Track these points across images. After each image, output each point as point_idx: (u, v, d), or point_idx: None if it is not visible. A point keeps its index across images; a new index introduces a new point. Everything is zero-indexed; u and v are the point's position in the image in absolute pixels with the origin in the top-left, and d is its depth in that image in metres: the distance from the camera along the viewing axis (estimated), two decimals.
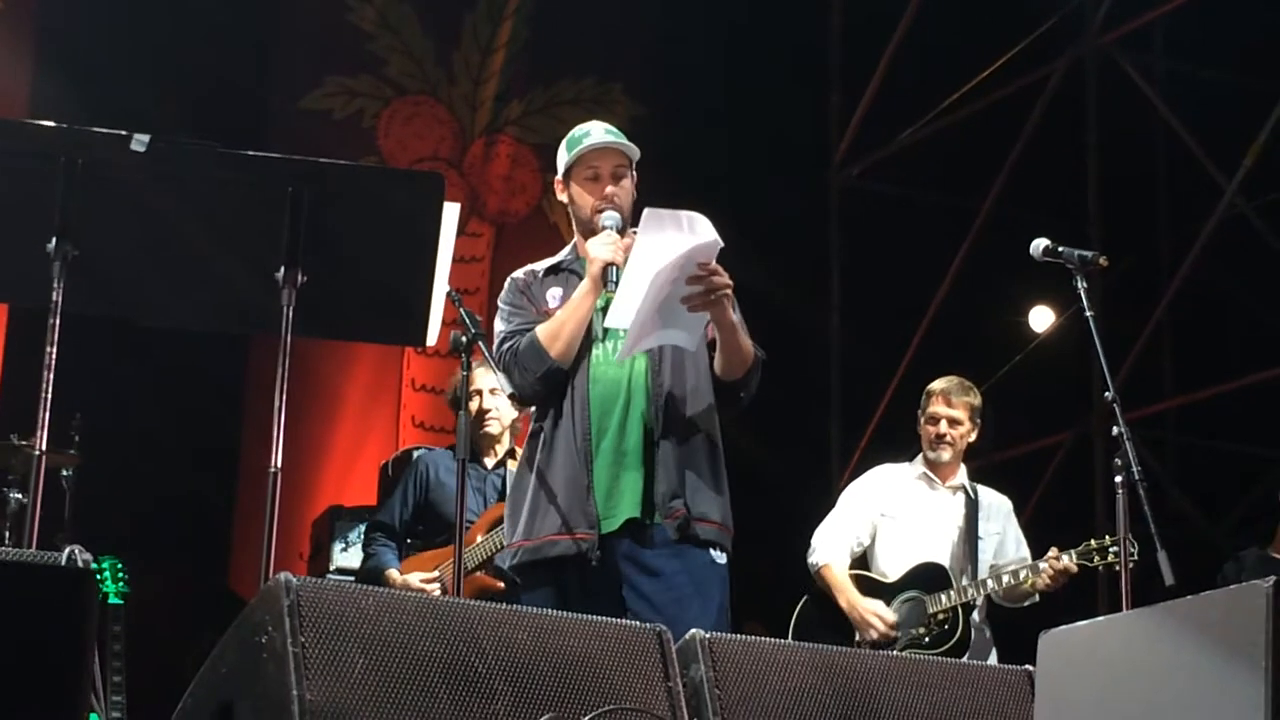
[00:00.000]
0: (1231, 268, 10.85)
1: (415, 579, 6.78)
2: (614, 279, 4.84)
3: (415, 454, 7.44)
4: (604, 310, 4.98)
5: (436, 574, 6.82)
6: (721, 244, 4.72)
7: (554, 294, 5.09)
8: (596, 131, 5.10)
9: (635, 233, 5.03)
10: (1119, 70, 10.97)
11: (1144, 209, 12.19)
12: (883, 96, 11.77)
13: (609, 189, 5.03)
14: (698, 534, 4.87)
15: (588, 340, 4.99)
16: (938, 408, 7.08)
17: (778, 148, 11.49)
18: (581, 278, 5.02)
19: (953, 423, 7.06)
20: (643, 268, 4.73)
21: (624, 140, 5.11)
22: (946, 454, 7.05)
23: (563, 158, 5.12)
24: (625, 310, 4.80)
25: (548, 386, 4.97)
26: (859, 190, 12.04)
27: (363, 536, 7.30)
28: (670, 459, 4.89)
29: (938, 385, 7.15)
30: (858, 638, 6.83)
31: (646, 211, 4.75)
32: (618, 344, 4.98)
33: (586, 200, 5.05)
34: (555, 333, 4.94)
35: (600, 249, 4.90)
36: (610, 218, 4.98)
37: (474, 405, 6.81)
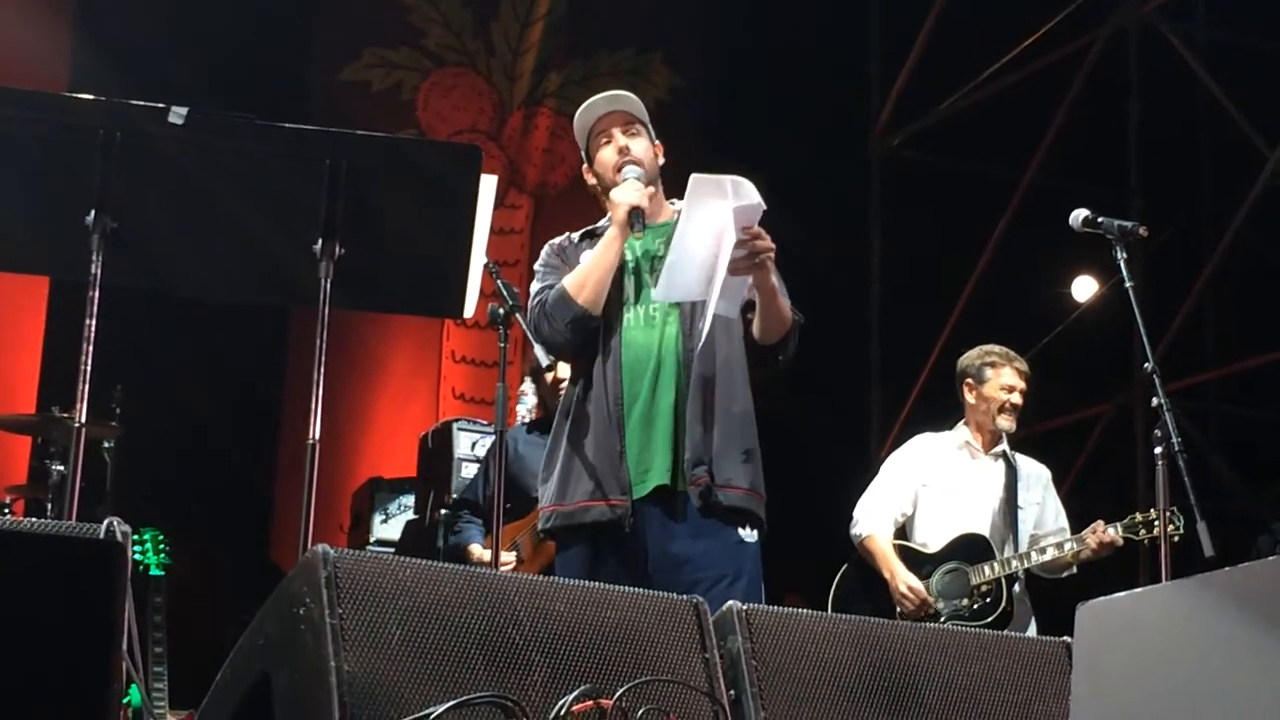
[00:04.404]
0: (1274, 238, 10.80)
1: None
2: (639, 223, 4.84)
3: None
4: (634, 265, 4.98)
5: (515, 548, 6.91)
6: (765, 207, 4.70)
7: (588, 256, 5.07)
8: (597, 100, 5.11)
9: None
10: (1161, 39, 10.91)
11: (1186, 179, 12.14)
12: (924, 66, 11.74)
13: (622, 143, 5.04)
14: (721, 501, 4.82)
15: (620, 305, 4.98)
16: (1013, 379, 6.96)
17: (818, 118, 11.46)
18: None
19: (1022, 392, 6.98)
20: (692, 235, 4.70)
21: (626, 97, 5.12)
22: (1014, 424, 6.98)
23: (581, 140, 5.16)
24: (678, 283, 4.77)
25: (577, 337, 4.95)
26: (900, 160, 12.01)
27: (448, 515, 7.33)
28: (698, 425, 4.85)
29: (1004, 351, 7.02)
30: (899, 610, 6.82)
31: (693, 177, 4.72)
32: (650, 309, 4.96)
33: (606, 165, 5.05)
34: (582, 281, 4.93)
35: (625, 194, 4.90)
36: (631, 170, 4.99)
37: (551, 376, 6.84)
